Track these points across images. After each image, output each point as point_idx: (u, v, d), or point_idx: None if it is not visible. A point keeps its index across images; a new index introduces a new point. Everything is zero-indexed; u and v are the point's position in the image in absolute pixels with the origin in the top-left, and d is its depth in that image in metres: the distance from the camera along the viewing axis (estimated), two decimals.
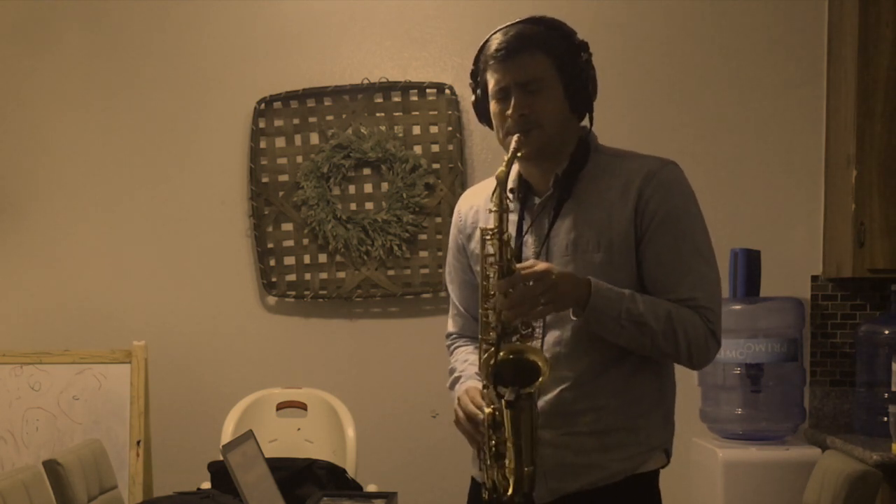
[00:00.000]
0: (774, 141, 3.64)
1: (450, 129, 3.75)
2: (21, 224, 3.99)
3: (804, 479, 2.72)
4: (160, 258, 3.93)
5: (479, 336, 1.96)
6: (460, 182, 3.74)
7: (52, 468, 2.80)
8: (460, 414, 2.01)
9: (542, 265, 1.88)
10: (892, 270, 3.31)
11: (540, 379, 1.85)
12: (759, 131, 3.64)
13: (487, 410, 1.90)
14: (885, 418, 3.14)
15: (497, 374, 1.88)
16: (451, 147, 3.76)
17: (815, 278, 3.62)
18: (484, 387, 1.93)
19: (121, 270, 3.94)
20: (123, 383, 3.66)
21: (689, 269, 1.95)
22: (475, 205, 2.17)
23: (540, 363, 1.87)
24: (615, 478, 1.98)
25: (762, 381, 3.39)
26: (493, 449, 1.90)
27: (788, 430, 3.43)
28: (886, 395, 3.29)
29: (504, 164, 1.92)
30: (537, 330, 1.98)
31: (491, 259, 1.92)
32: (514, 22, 2.02)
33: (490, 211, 1.94)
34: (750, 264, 3.42)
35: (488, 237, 1.93)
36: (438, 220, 3.77)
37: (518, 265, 1.89)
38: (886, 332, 3.34)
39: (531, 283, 1.84)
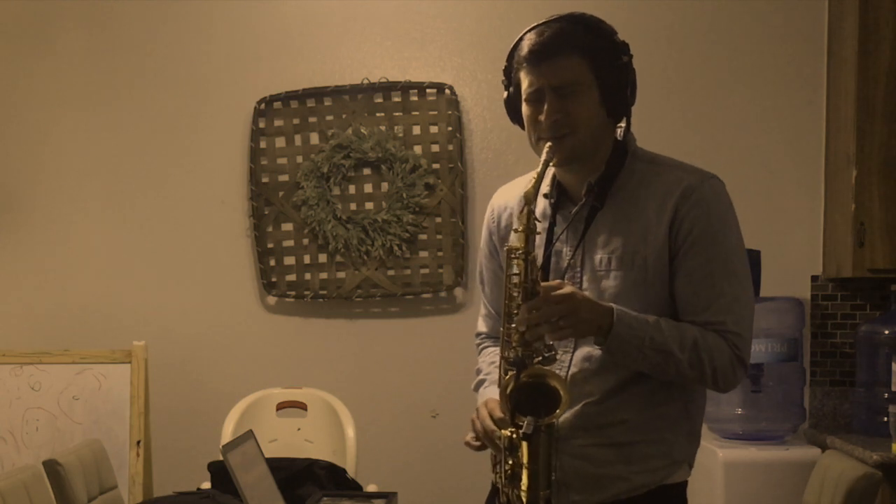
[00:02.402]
0: (774, 141, 3.64)
1: (450, 129, 3.75)
2: (21, 224, 3.99)
3: (804, 479, 2.72)
4: (160, 258, 3.93)
5: (500, 355, 1.92)
6: (460, 182, 3.74)
7: (52, 468, 2.80)
8: (478, 426, 1.95)
9: (567, 288, 1.82)
10: (892, 270, 3.31)
11: (558, 410, 1.80)
12: (759, 131, 3.64)
13: (505, 433, 1.84)
14: (885, 418, 3.14)
15: (516, 401, 1.82)
16: (451, 147, 3.76)
17: (815, 278, 3.62)
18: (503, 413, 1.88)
19: (121, 270, 3.94)
20: (123, 383, 3.66)
21: (721, 291, 1.88)
22: (510, 206, 2.10)
23: (560, 389, 1.82)
24: (638, 490, 1.93)
25: (762, 381, 3.39)
26: (510, 471, 1.86)
27: (788, 430, 3.43)
28: (886, 395, 3.29)
29: (532, 182, 1.85)
30: (565, 352, 1.94)
31: (515, 280, 1.86)
32: (549, 19, 1.92)
33: (515, 230, 1.88)
34: (750, 264, 3.41)
35: (514, 256, 1.86)
36: (438, 220, 3.77)
37: (544, 284, 1.84)
38: (886, 332, 3.34)
39: (555, 305, 1.79)
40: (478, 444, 1.96)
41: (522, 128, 1.99)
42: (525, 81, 1.93)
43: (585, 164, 1.95)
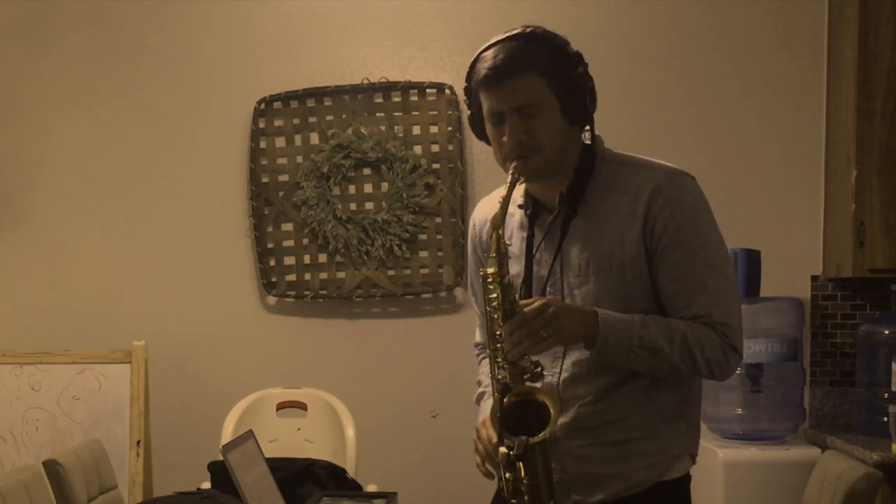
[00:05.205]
0: (774, 141, 3.64)
1: (450, 129, 3.75)
2: (21, 224, 3.99)
3: (804, 479, 2.72)
4: (160, 258, 3.93)
5: (490, 375, 1.93)
6: (460, 182, 3.74)
7: (52, 468, 2.80)
8: (480, 449, 1.96)
9: (540, 301, 1.84)
10: (892, 270, 3.31)
11: (546, 430, 1.82)
12: (759, 131, 3.64)
13: (502, 450, 1.85)
14: (885, 418, 3.14)
15: (506, 420, 1.85)
16: (451, 147, 3.76)
17: (815, 278, 3.62)
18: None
19: (121, 270, 3.94)
20: (123, 383, 3.66)
21: (703, 284, 1.89)
22: (489, 219, 2.08)
23: (549, 406, 1.83)
24: (637, 487, 1.94)
25: (762, 381, 3.40)
26: (511, 486, 1.87)
27: (788, 430, 3.43)
28: (886, 395, 3.29)
29: (499, 206, 1.86)
30: (556, 359, 1.96)
31: (494, 304, 1.88)
32: (502, 38, 1.92)
33: (487, 256, 1.90)
34: (750, 264, 3.42)
35: (489, 282, 1.88)
36: (438, 220, 3.77)
37: (521, 303, 1.85)
38: (886, 332, 3.34)
39: (533, 320, 1.81)
40: (486, 469, 1.97)
41: (489, 143, 2.00)
42: (485, 104, 1.94)
43: (555, 175, 1.96)
